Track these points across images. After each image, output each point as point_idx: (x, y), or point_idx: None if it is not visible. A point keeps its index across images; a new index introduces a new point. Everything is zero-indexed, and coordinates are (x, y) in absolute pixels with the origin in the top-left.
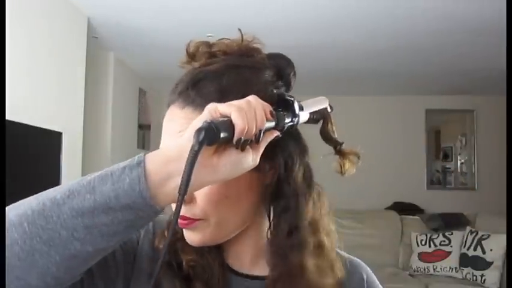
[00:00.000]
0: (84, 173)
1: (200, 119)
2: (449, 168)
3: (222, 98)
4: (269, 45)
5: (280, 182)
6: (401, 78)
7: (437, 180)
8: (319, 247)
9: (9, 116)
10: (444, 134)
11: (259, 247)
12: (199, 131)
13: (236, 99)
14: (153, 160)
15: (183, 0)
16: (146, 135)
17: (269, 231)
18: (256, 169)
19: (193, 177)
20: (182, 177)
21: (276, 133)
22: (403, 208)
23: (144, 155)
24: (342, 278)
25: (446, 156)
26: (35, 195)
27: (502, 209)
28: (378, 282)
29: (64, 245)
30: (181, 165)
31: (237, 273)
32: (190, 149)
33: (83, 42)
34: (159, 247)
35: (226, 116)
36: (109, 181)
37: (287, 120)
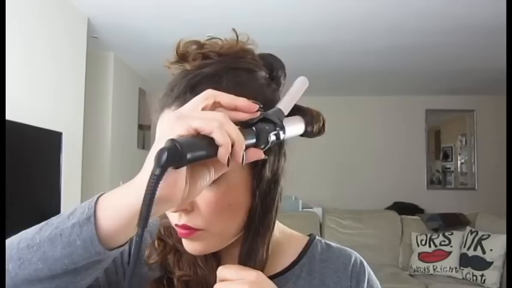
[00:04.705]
0: (84, 173)
1: (167, 136)
2: (449, 168)
3: None
4: (269, 45)
5: (277, 174)
6: (401, 78)
7: (437, 180)
8: None
9: (9, 116)
10: (444, 134)
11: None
12: (161, 152)
13: None
14: (106, 212)
15: (183, 1)
16: (146, 135)
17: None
18: (253, 169)
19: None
20: (141, 209)
21: (260, 153)
22: (403, 208)
23: (98, 198)
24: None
25: (446, 156)
26: None
27: (502, 209)
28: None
29: None
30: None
31: None
32: (151, 174)
33: (83, 42)
34: (148, 262)
35: (205, 135)
36: (59, 245)
37: (272, 135)
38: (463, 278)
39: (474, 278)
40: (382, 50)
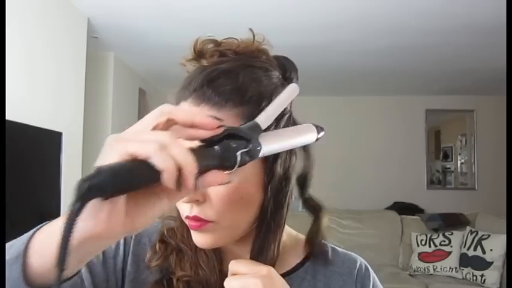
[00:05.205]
0: (84, 173)
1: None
2: (449, 168)
3: (239, 96)
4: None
5: (288, 172)
6: (401, 78)
7: (437, 180)
8: None
9: (9, 116)
10: (444, 134)
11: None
12: (81, 182)
13: (252, 98)
14: (37, 248)
15: (183, 1)
16: None
17: (282, 222)
18: (264, 164)
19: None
20: (59, 249)
21: (223, 176)
22: (403, 208)
23: (34, 232)
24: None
25: (446, 156)
26: None
27: (502, 209)
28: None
29: None
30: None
31: None
32: (69, 209)
33: (83, 42)
34: (150, 265)
35: (142, 160)
36: None
37: (240, 153)
38: (463, 278)
39: (474, 278)
40: (382, 50)
